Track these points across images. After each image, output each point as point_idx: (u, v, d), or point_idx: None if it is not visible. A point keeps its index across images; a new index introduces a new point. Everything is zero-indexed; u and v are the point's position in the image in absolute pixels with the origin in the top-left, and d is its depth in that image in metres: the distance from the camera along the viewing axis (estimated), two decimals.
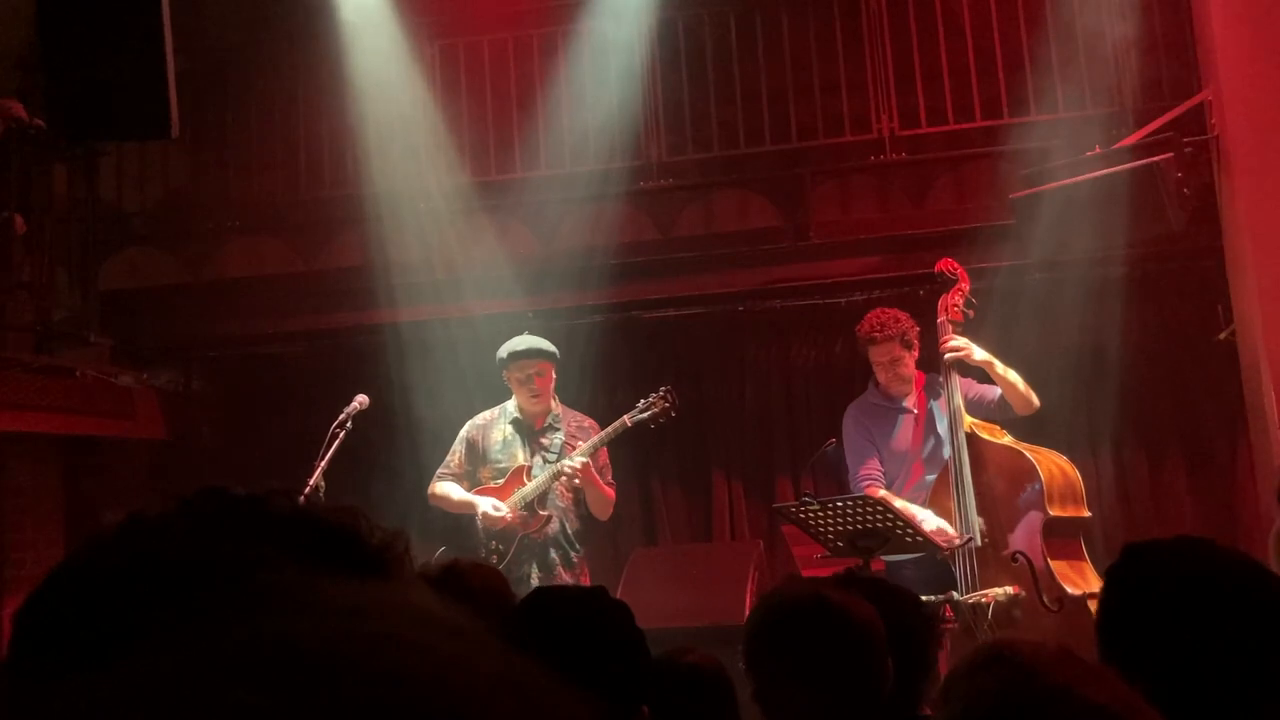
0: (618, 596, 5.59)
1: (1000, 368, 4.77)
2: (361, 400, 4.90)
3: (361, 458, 5.73)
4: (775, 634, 2.07)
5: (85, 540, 0.57)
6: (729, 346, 6.81)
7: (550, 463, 5.05)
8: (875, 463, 4.98)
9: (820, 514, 4.34)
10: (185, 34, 4.17)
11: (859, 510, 4.29)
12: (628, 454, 6.61)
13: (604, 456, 5.21)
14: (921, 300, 5.37)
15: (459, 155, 6.70)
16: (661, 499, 6.74)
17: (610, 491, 5.18)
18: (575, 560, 5.13)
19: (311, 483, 4.55)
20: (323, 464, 4.62)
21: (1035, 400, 4.78)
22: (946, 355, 4.75)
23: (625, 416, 5.09)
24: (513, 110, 6.79)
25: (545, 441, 5.16)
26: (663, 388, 5.16)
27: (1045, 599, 4.41)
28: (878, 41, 6.51)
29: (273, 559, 0.52)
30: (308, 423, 5.36)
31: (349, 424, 4.78)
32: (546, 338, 5.73)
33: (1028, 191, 5.37)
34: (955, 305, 4.87)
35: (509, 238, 6.60)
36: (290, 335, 6.86)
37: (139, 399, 6.60)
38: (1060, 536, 4.56)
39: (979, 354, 4.77)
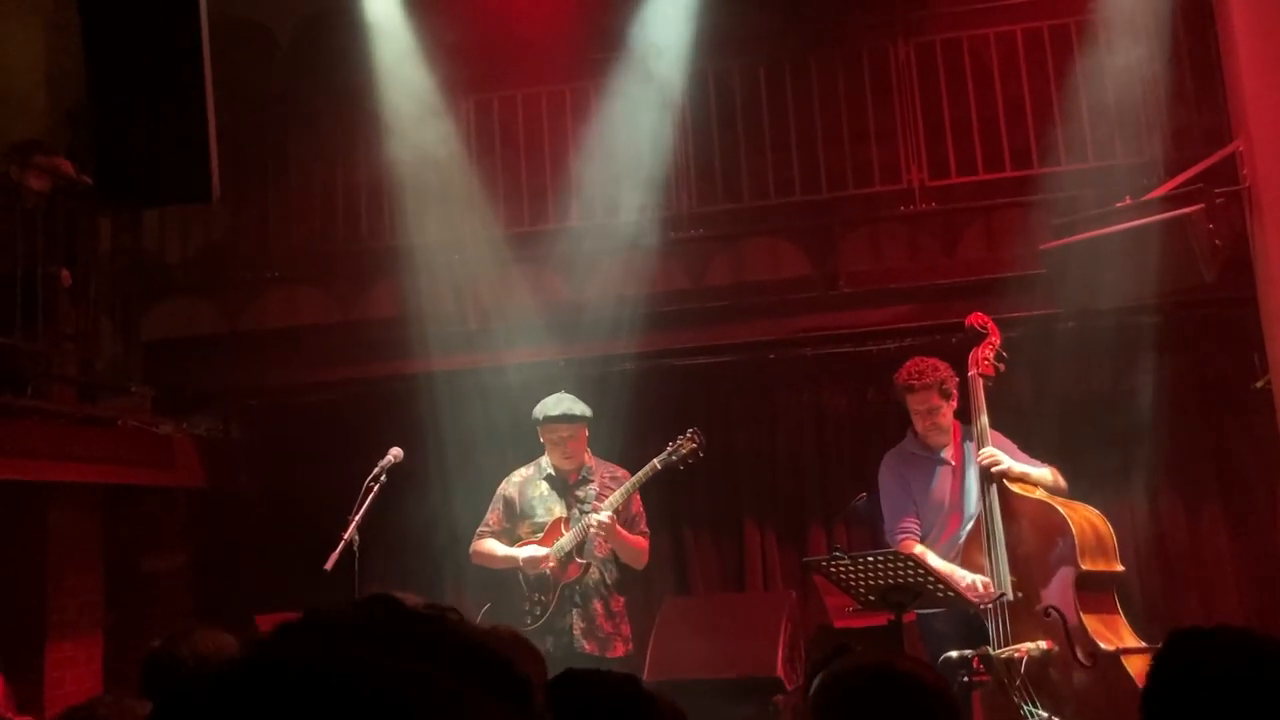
0: (650, 645, 5.58)
1: (1035, 474, 4.73)
2: (396, 453, 4.93)
3: (396, 508, 5.78)
4: (846, 706, 2.06)
5: (269, 637, 0.68)
6: (760, 395, 6.83)
7: (586, 513, 5.10)
8: (912, 517, 4.92)
9: (851, 568, 4.33)
10: (226, 88, 4.27)
11: (890, 565, 4.28)
12: (660, 502, 6.63)
13: (637, 505, 5.26)
14: (953, 349, 5.36)
15: (493, 207, 6.80)
16: (694, 547, 6.74)
17: (640, 541, 5.24)
18: (615, 610, 5.18)
19: (346, 536, 4.59)
20: (357, 518, 4.66)
21: (1063, 483, 4.78)
22: (983, 464, 4.70)
23: (655, 460, 5.14)
24: (545, 162, 6.88)
25: (580, 494, 5.24)
26: (690, 429, 5.21)
27: (1079, 654, 4.38)
28: (907, 92, 6.55)
29: (441, 675, 0.64)
30: (345, 470, 5.41)
31: (383, 477, 4.82)
32: (579, 386, 5.76)
33: (1058, 243, 5.37)
34: (986, 359, 4.87)
35: (542, 287, 6.68)
36: (327, 384, 6.95)
37: (178, 447, 6.70)
38: (1093, 591, 4.52)
39: (1015, 468, 4.72)
